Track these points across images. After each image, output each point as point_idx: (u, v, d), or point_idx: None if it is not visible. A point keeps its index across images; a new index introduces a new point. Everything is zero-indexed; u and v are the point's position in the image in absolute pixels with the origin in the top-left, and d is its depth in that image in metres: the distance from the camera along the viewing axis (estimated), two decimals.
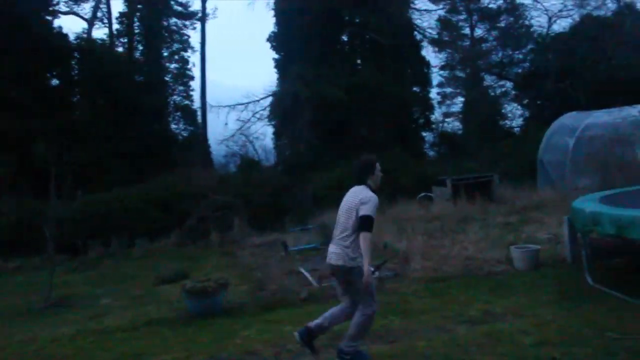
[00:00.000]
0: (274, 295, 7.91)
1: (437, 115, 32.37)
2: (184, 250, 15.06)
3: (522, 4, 31.17)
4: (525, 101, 29.15)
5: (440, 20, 33.69)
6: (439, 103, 34.23)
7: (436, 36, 32.33)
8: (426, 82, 30.02)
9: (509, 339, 5.04)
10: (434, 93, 32.13)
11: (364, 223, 4.64)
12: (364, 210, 4.65)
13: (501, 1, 32.29)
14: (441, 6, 33.52)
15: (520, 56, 30.60)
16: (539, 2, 29.73)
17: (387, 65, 20.83)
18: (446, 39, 33.46)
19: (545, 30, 30.01)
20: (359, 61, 23.34)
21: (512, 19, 32.02)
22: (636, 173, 10.61)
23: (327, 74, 19.08)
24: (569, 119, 17.68)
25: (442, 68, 33.70)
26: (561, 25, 29.52)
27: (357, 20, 20.80)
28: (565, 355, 4.50)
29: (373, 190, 4.87)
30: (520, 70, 30.10)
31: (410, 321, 5.90)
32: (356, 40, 22.30)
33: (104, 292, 10.15)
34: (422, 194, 17.08)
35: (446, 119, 34.98)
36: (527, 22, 31.10)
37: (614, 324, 5.15)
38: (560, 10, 28.92)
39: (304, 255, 11.51)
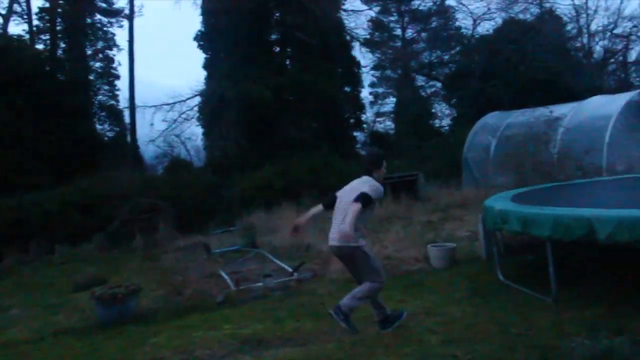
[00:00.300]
0: (190, 300, 7.74)
1: (369, 114, 32.84)
2: (106, 255, 14.59)
3: (451, 7, 32.09)
4: (453, 101, 29.81)
5: (372, 21, 34.22)
6: (372, 103, 35.03)
7: (367, 37, 32.77)
8: (357, 82, 30.11)
9: (417, 338, 5.06)
10: (365, 93, 32.49)
11: (360, 196, 5.03)
12: (366, 190, 5.11)
13: (431, 3, 33.17)
14: (373, 6, 34.00)
15: (449, 57, 31.38)
16: (464, 5, 30.58)
17: (316, 65, 20.76)
18: (378, 39, 33.98)
19: (470, 32, 30.92)
20: (287, 61, 23.19)
21: (442, 20, 32.85)
22: (549, 171, 10.98)
23: (254, 74, 18.88)
24: (492, 118, 18.15)
25: (375, 68, 34.34)
26: (485, 27, 30.45)
27: (286, 20, 20.61)
28: (468, 353, 4.54)
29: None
30: (448, 71, 30.83)
31: (322, 323, 5.85)
32: (285, 40, 22.09)
33: (15, 302, 9.67)
34: None
35: (378, 119, 35.71)
36: (455, 25, 32.02)
37: (519, 320, 5.26)
38: (485, 13, 29.86)
39: (226, 258, 11.35)
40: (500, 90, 22.68)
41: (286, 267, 9.17)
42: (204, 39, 21.84)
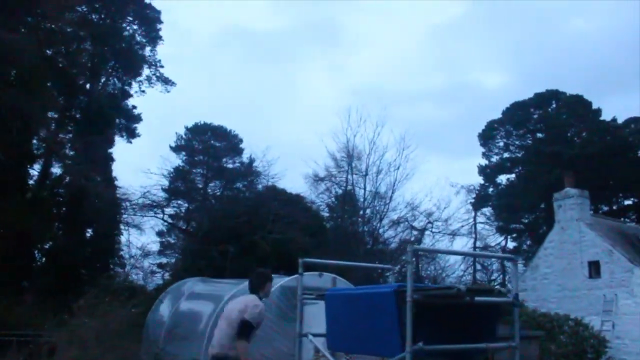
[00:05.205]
0: None
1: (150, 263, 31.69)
2: None
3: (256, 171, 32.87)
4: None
5: (177, 169, 34.85)
6: (160, 252, 33.72)
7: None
8: (114, 226, 27.91)
9: None
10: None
11: (242, 328, 5.49)
12: (247, 315, 5.52)
13: (238, 164, 35.62)
14: (182, 155, 35.95)
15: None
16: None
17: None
18: (182, 188, 34.27)
19: None
20: None
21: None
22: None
23: None
24: (188, 283, 16.76)
25: (174, 217, 33.63)
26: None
27: None
28: None
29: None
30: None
31: None
32: None
33: None
34: None
35: (161, 270, 33.61)
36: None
37: None
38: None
39: None
40: (224, 255, 21.81)
41: None
42: None
